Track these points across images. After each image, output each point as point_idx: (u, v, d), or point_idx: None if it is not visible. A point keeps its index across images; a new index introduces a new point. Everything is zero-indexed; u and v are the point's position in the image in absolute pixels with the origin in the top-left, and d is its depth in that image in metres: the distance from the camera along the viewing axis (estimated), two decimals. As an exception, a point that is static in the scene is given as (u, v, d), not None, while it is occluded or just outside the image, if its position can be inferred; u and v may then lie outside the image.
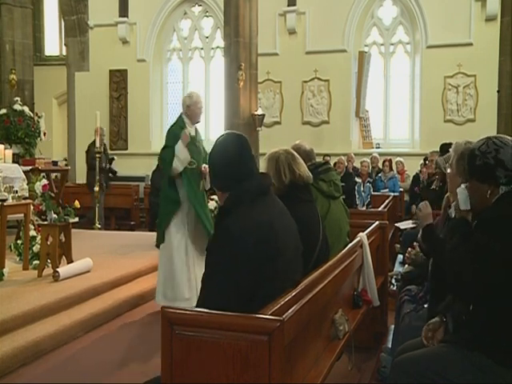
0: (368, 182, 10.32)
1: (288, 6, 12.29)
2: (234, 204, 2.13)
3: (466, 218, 2.41)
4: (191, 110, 5.00)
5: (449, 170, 3.15)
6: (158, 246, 5.00)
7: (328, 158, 10.50)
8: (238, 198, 2.13)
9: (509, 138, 2.25)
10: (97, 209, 8.72)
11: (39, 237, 5.43)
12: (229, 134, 2.38)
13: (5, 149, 6.92)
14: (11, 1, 11.68)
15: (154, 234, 5.35)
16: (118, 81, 13.33)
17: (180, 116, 5.11)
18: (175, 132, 4.94)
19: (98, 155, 8.58)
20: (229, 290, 2.01)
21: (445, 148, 5.69)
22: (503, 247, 2.04)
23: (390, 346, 3.76)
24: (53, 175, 8.79)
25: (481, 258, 2.07)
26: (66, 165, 11.02)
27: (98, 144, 8.54)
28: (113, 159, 9.79)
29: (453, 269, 2.18)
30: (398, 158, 11.04)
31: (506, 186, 2.18)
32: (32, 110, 9.38)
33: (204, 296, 2.06)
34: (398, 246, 6.59)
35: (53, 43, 16.59)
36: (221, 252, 2.05)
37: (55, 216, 5.21)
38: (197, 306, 2.05)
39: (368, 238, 3.64)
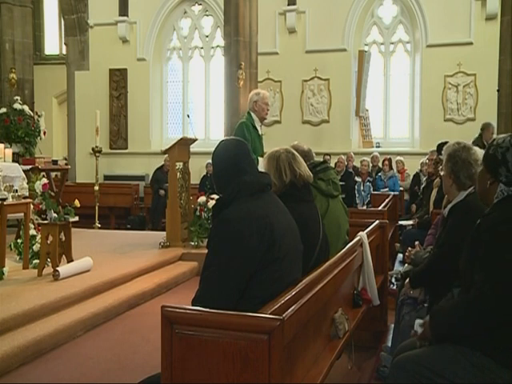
0: (368, 181, 10.33)
1: (288, 5, 12.27)
2: (231, 196, 2.19)
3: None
4: (258, 105, 5.31)
5: (442, 172, 3.19)
6: None
7: (328, 158, 10.52)
8: (236, 191, 2.18)
9: None
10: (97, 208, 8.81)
11: (39, 236, 5.42)
12: (226, 139, 2.47)
13: (5, 148, 6.91)
14: (11, 0, 11.66)
15: (154, 233, 5.36)
16: (118, 80, 13.31)
17: (248, 112, 5.38)
18: (247, 124, 5.26)
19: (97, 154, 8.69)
20: (228, 283, 2.04)
21: (441, 147, 5.69)
22: (502, 250, 2.05)
23: (389, 345, 3.76)
24: (53, 174, 8.79)
25: (485, 262, 2.07)
26: (66, 164, 11.00)
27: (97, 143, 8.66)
28: None
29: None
30: (398, 157, 11.03)
31: (505, 185, 2.19)
32: (32, 109, 9.37)
33: (203, 290, 2.08)
34: (398, 245, 6.59)
35: (53, 42, 16.58)
36: (220, 245, 2.07)
37: (55, 215, 5.21)
38: (194, 299, 2.07)
39: (368, 237, 3.63)
